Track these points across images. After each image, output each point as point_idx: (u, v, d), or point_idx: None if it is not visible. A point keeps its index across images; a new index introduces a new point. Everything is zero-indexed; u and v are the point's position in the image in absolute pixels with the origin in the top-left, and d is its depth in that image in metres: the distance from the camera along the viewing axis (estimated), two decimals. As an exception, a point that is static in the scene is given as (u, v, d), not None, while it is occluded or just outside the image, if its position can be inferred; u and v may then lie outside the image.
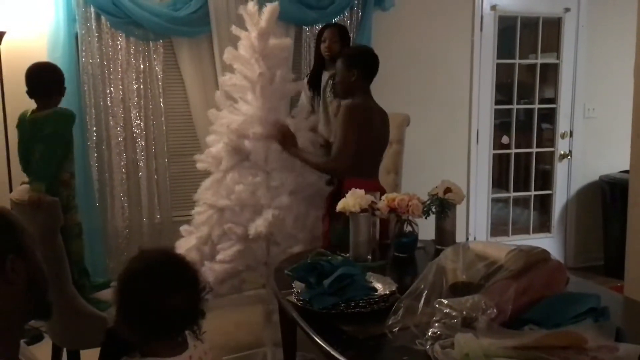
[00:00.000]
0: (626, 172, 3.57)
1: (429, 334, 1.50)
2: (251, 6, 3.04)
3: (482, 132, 4.80)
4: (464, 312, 1.51)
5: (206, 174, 3.18)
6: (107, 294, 2.89)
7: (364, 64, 2.94)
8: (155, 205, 4.07)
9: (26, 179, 3.24)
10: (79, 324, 2.74)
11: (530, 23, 4.88)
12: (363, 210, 2.34)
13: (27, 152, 3.15)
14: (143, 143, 4.01)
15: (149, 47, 3.97)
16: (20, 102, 3.73)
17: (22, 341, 1.21)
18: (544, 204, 5.21)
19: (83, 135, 3.84)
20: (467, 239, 4.74)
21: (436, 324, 1.52)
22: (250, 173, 3.04)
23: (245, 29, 3.05)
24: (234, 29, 3.10)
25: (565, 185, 5.10)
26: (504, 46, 4.81)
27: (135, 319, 1.36)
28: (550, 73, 5.02)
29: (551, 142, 5.08)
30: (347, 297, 1.80)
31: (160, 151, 4.05)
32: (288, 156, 3.03)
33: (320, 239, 2.94)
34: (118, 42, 3.91)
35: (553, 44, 4.95)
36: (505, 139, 5.02)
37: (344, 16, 4.26)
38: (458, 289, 1.69)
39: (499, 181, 5.13)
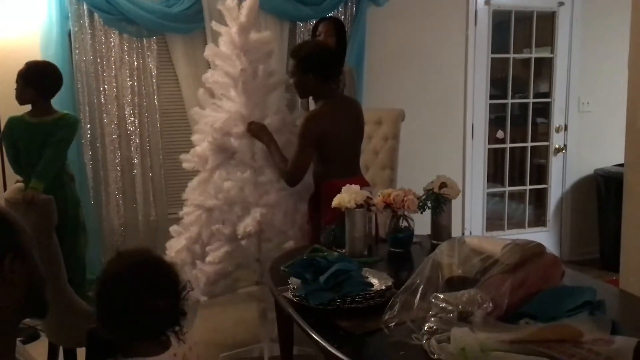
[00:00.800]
0: (621, 165, 3.58)
1: (425, 328, 1.50)
2: (230, 1, 2.98)
3: (477, 126, 4.81)
4: (460, 307, 1.51)
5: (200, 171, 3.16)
6: None
7: (319, 66, 2.82)
8: (151, 203, 4.07)
9: (20, 179, 3.25)
10: (75, 322, 2.73)
11: (524, 17, 4.88)
12: (358, 206, 2.33)
13: (29, 155, 3.14)
14: (137, 140, 4.00)
15: (142, 44, 3.96)
16: (13, 99, 3.72)
17: (18, 340, 1.20)
18: (539, 198, 5.22)
19: (77, 133, 3.83)
20: (463, 233, 4.75)
21: (432, 319, 1.52)
22: (238, 169, 3.00)
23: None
24: (214, 25, 3.06)
25: (560, 179, 5.11)
26: (498, 41, 4.81)
27: (116, 321, 1.36)
28: (545, 67, 5.03)
29: (546, 136, 5.09)
30: (343, 293, 1.80)
31: (155, 148, 4.05)
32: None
33: (308, 234, 2.94)
34: (111, 39, 3.90)
35: (547, 38, 4.95)
36: (500, 134, 5.03)
37: (338, 12, 4.25)
38: (454, 284, 1.69)
39: (494, 176, 5.14)
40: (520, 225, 5.15)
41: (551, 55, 4.93)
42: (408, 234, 2.43)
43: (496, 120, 5.01)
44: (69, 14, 3.77)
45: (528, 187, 5.12)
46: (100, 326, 1.38)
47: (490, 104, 4.86)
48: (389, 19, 4.39)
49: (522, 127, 5.05)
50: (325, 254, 2.13)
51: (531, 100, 5.00)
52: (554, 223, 5.16)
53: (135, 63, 3.95)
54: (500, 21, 4.81)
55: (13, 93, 3.73)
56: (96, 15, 3.83)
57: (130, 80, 3.95)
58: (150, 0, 3.91)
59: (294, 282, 1.93)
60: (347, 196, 2.35)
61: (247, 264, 3.09)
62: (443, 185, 2.46)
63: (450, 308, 1.52)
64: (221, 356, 3.25)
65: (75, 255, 3.12)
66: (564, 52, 4.91)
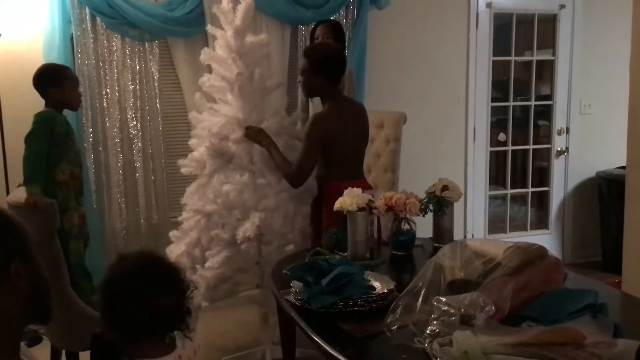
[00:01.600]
0: (623, 168, 3.58)
1: (428, 331, 1.50)
2: (225, 3, 2.96)
3: (479, 129, 4.81)
4: (462, 310, 1.51)
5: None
6: None
7: (332, 69, 2.84)
8: (153, 206, 4.07)
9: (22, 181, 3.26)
10: (77, 326, 2.74)
11: (525, 20, 4.88)
12: (360, 209, 2.34)
13: None
14: (140, 144, 4.01)
15: (144, 48, 3.97)
16: (16, 103, 3.74)
17: (22, 343, 1.21)
18: (541, 201, 5.22)
19: (79, 137, 3.84)
20: (465, 236, 4.75)
21: (434, 322, 1.52)
22: (237, 172, 2.98)
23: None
24: (210, 28, 3.05)
25: (562, 182, 5.11)
26: (500, 43, 4.81)
27: (122, 322, 1.36)
28: (546, 70, 5.03)
29: (548, 138, 5.09)
30: (345, 296, 1.80)
31: (157, 152, 4.05)
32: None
33: (310, 237, 2.94)
34: (114, 43, 3.91)
35: (549, 40, 4.96)
36: (502, 136, 5.03)
37: (339, 15, 4.26)
38: (456, 287, 1.69)
39: (496, 178, 5.14)
40: (522, 227, 5.15)
41: (552, 58, 4.94)
42: (410, 237, 2.43)
43: (498, 123, 5.01)
44: (72, 18, 3.78)
45: (530, 189, 5.12)
46: (106, 329, 1.39)
47: (491, 107, 4.86)
48: (390, 22, 4.40)
49: (524, 130, 5.05)
50: (327, 257, 2.13)
51: (533, 102, 5.00)
52: (556, 226, 5.16)
53: (138, 67, 3.96)
54: (502, 24, 4.81)
55: (16, 96, 3.75)
56: (98, 20, 3.84)
57: (132, 84, 3.96)
58: (152, 4, 3.92)
59: (296, 285, 1.93)
60: (349, 199, 2.35)
61: (247, 268, 3.08)
62: (445, 188, 2.46)
63: (452, 311, 1.52)
64: (223, 359, 3.25)
65: (69, 263, 3.00)
66: (565, 54, 4.91)
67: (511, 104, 4.95)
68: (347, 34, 4.22)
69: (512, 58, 4.87)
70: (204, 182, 3.02)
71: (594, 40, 4.90)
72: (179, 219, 3.13)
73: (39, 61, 3.73)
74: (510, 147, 5.01)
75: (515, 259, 1.71)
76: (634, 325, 1.63)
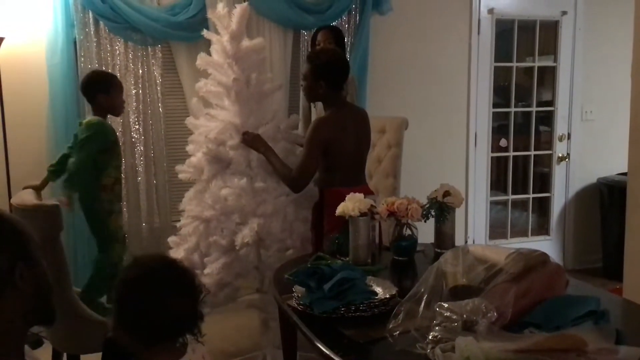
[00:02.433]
0: (624, 174, 3.58)
1: (430, 337, 1.50)
2: (220, 8, 2.95)
3: (480, 135, 4.82)
4: (465, 316, 1.52)
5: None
6: None
7: (334, 75, 2.84)
8: (154, 210, 4.07)
9: (29, 183, 3.29)
10: (79, 329, 2.74)
11: (527, 26, 4.89)
12: (362, 214, 2.34)
13: None
14: (142, 148, 4.02)
15: (147, 52, 3.98)
16: (19, 106, 3.75)
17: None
18: (542, 207, 5.22)
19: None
20: (466, 241, 4.75)
21: (437, 328, 1.52)
22: (235, 177, 2.97)
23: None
24: (206, 33, 3.03)
25: (563, 188, 5.11)
26: (502, 49, 4.82)
27: (136, 326, 1.37)
28: (548, 76, 5.04)
29: (549, 144, 5.10)
30: (347, 301, 1.80)
31: (159, 156, 4.06)
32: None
33: (310, 241, 2.93)
34: (116, 47, 3.92)
35: (550, 47, 4.97)
36: (503, 142, 5.04)
37: (341, 20, 4.27)
38: (458, 293, 1.69)
39: (497, 184, 5.14)
40: (523, 233, 5.15)
41: (554, 64, 4.95)
42: (411, 242, 2.44)
43: (499, 129, 5.01)
44: (75, 22, 3.79)
45: (531, 195, 5.12)
46: (119, 332, 1.39)
47: (493, 113, 4.86)
48: (392, 28, 4.41)
49: (525, 136, 5.06)
50: (329, 262, 2.13)
51: (534, 108, 5.01)
52: (557, 232, 5.16)
53: (140, 71, 3.97)
54: (504, 30, 4.82)
55: (19, 99, 3.76)
56: (101, 24, 3.85)
57: (134, 88, 3.97)
58: (155, 8, 3.93)
59: (298, 290, 1.93)
60: (351, 204, 2.36)
61: (246, 273, 3.06)
62: (447, 193, 2.46)
63: (454, 317, 1.52)
64: (224, 363, 3.25)
65: (110, 264, 3.19)
66: (566, 60, 4.92)
67: (513, 109, 4.96)
68: (349, 39, 4.24)
69: (514, 64, 4.88)
70: (202, 188, 3.00)
71: (596, 46, 4.91)
72: (178, 225, 3.13)
73: (42, 64, 3.75)
74: (511, 153, 5.01)
75: (517, 265, 1.71)
76: (635, 333, 1.63)
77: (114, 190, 3.28)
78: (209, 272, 2.89)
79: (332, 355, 1.57)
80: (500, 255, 1.77)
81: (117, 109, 3.36)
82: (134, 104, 3.97)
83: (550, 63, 4.98)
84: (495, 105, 4.87)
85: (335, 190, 2.74)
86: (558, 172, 5.09)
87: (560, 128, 5.03)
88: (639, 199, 3.09)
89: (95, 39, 3.86)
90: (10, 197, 3.47)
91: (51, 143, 3.81)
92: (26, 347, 1.22)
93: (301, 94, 3.68)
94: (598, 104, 4.99)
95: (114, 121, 3.93)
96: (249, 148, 2.95)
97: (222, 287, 2.96)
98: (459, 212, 2.59)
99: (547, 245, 4.96)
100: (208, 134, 2.95)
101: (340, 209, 2.38)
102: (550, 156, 5.08)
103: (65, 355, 2.95)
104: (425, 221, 2.46)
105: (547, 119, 5.09)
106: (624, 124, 3.29)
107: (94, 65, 3.87)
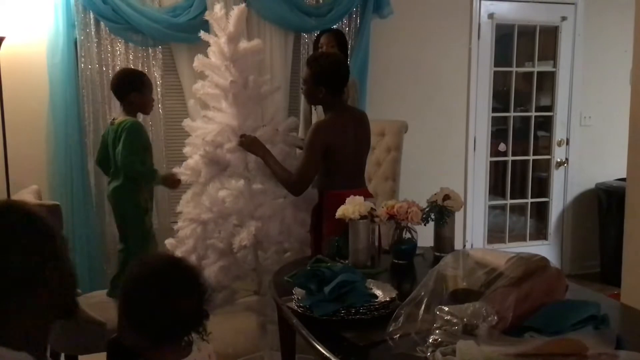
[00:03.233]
0: (622, 180, 3.59)
1: (430, 341, 1.51)
2: (218, 10, 2.93)
3: (479, 139, 4.82)
4: (465, 319, 1.52)
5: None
6: None
7: (334, 80, 2.84)
8: (154, 211, 4.06)
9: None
10: (77, 330, 2.74)
11: (527, 31, 4.91)
12: (362, 217, 2.34)
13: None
14: (141, 149, 4.00)
15: (148, 53, 3.98)
16: (19, 106, 3.75)
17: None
18: (541, 212, 5.23)
19: (81, 141, 3.85)
20: (464, 245, 4.75)
21: (437, 331, 1.52)
22: (233, 179, 2.97)
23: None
24: (203, 35, 3.01)
25: (561, 193, 5.12)
26: (501, 54, 4.83)
27: (143, 326, 1.37)
28: (547, 81, 5.05)
29: (548, 149, 5.11)
30: (347, 304, 1.80)
31: (159, 157, 4.05)
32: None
33: (308, 244, 2.93)
34: (117, 48, 3.92)
35: (550, 52, 4.98)
36: (502, 147, 5.05)
37: (342, 23, 4.28)
38: (458, 296, 1.70)
39: (495, 188, 5.15)
40: (521, 238, 5.15)
41: (553, 69, 4.96)
42: (411, 246, 2.44)
43: (498, 133, 5.02)
44: (76, 23, 3.79)
45: (529, 200, 5.13)
46: (125, 332, 1.39)
47: (492, 117, 4.87)
48: (392, 32, 4.42)
49: (524, 141, 5.07)
50: (329, 264, 2.14)
51: (533, 113, 5.02)
52: (555, 236, 5.17)
53: (141, 72, 3.97)
54: (503, 35, 4.83)
55: (19, 99, 3.75)
56: (102, 24, 3.85)
57: (135, 89, 3.96)
58: (157, 9, 3.93)
59: (298, 292, 1.94)
60: (350, 207, 2.36)
61: (244, 275, 3.06)
62: (446, 197, 2.47)
63: (455, 321, 1.53)
64: (222, 365, 3.25)
65: None
66: (566, 66, 4.94)
67: (512, 114, 4.97)
68: (350, 42, 4.24)
69: (513, 69, 4.89)
70: (199, 190, 2.99)
71: (595, 52, 4.93)
72: (175, 227, 3.13)
73: (43, 64, 3.75)
74: (510, 158, 5.02)
75: (517, 270, 1.71)
76: (634, 337, 1.63)
77: (149, 189, 3.33)
78: (207, 275, 2.88)
79: (332, 358, 1.57)
80: (501, 259, 1.78)
81: (148, 107, 3.35)
82: (134, 104, 3.96)
83: (549, 68, 4.99)
84: (494, 110, 4.88)
85: (335, 193, 2.74)
86: (556, 177, 5.10)
87: (559, 133, 5.04)
88: (637, 205, 3.10)
89: (95, 40, 3.86)
90: (9, 197, 3.47)
91: (51, 143, 3.81)
92: None
93: (302, 96, 3.69)
94: (597, 109, 5.01)
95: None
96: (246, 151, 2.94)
97: (220, 289, 2.95)
98: (458, 216, 2.59)
99: (545, 250, 4.97)
100: (205, 137, 2.93)
101: (340, 212, 2.39)
102: (548, 161, 5.10)
103: (63, 355, 2.95)
104: (425, 224, 2.47)
105: (545, 124, 5.10)
106: (623, 130, 3.30)
107: (94, 66, 3.87)
